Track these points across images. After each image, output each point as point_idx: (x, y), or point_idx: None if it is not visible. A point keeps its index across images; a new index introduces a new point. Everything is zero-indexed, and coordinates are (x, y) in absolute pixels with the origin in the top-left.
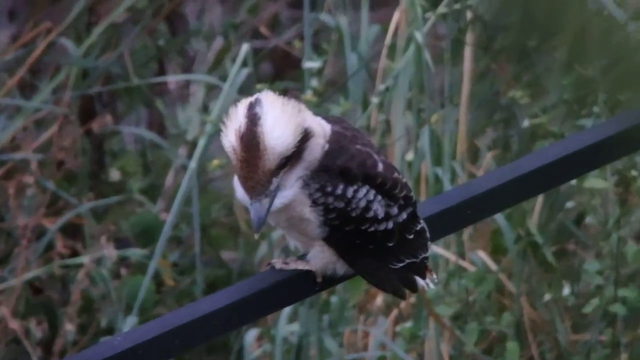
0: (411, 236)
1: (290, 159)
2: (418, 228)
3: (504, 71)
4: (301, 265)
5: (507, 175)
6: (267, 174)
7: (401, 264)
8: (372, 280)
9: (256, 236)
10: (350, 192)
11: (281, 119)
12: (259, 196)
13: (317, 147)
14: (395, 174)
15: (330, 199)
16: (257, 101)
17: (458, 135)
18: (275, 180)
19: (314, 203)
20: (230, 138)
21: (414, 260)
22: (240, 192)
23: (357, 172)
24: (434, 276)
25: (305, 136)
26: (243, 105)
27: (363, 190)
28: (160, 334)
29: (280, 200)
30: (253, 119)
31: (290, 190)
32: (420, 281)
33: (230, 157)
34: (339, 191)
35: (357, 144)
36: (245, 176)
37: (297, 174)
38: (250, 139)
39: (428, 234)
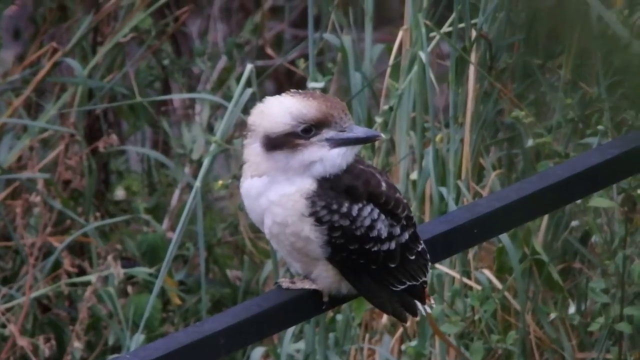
0: (412, 257)
1: None
2: (419, 249)
3: (508, 90)
4: (308, 285)
5: (513, 195)
6: (345, 108)
7: (402, 286)
8: (373, 301)
9: (384, 136)
10: (355, 210)
11: None
12: (348, 124)
13: None
14: (398, 194)
15: (336, 217)
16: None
17: (462, 154)
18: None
19: (319, 221)
20: (292, 96)
21: (414, 283)
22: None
23: (362, 191)
24: (432, 302)
25: None
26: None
27: (367, 209)
28: (168, 352)
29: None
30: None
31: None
32: (419, 306)
33: (296, 108)
34: (344, 209)
35: (360, 164)
36: (330, 106)
37: None
38: (318, 92)
39: (428, 256)
